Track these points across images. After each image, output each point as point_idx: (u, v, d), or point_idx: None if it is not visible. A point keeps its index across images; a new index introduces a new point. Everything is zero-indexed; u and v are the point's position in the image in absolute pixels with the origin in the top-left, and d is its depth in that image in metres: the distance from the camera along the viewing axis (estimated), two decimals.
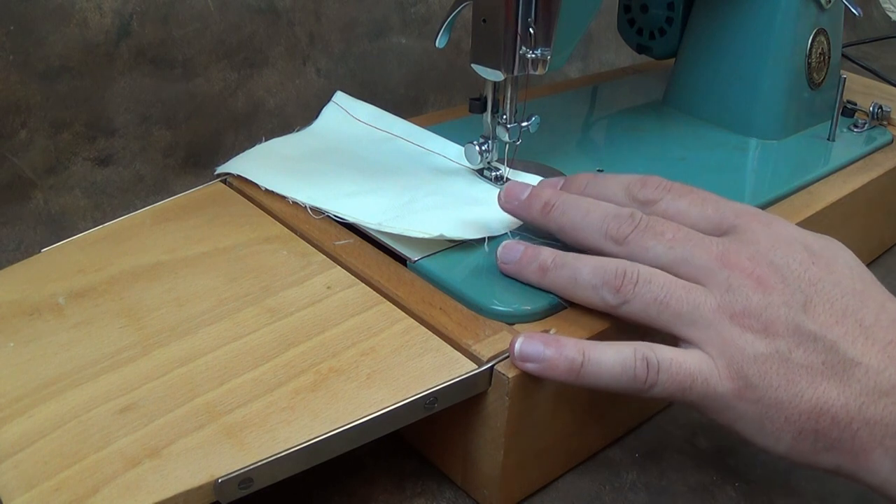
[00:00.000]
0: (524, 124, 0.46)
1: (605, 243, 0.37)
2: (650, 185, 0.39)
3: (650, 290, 0.34)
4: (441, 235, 0.40)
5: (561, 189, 0.41)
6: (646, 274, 0.35)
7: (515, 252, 0.38)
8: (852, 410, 0.31)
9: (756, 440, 0.33)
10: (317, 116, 0.55)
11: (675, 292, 0.34)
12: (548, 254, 0.37)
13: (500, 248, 0.39)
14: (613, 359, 0.34)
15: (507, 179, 0.48)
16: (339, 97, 0.56)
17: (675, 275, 0.35)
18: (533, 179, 0.48)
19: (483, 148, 0.47)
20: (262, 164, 0.49)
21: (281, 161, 0.49)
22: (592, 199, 0.39)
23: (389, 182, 0.47)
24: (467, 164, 0.49)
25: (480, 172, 0.48)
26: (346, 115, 0.55)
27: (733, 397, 0.33)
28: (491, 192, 0.46)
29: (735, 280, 0.33)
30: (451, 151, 0.50)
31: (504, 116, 0.46)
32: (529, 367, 0.34)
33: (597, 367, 0.34)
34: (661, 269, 0.35)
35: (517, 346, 0.34)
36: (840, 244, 0.36)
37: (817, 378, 0.32)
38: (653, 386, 0.33)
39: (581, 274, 0.36)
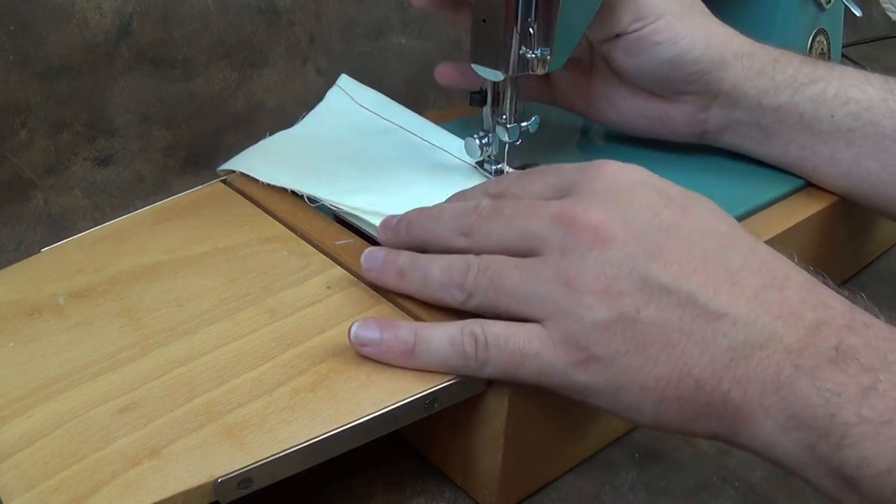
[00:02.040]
0: (524, 124, 0.46)
1: (457, 240, 0.35)
2: (503, 179, 0.39)
3: (486, 277, 0.33)
4: None
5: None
6: (484, 262, 0.33)
7: (377, 258, 0.37)
8: (719, 370, 0.28)
9: (619, 413, 0.31)
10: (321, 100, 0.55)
11: (508, 272, 0.32)
12: (405, 257, 0.37)
13: (363, 255, 0.38)
14: (442, 337, 0.33)
15: (505, 172, 0.48)
16: (344, 81, 0.56)
17: (518, 251, 0.33)
18: None
19: (483, 141, 0.47)
20: (265, 159, 0.49)
21: (284, 156, 0.50)
22: (444, 204, 0.39)
23: (391, 179, 0.47)
24: (468, 159, 0.49)
25: (481, 165, 0.48)
26: (349, 100, 0.55)
27: (573, 370, 0.31)
28: None
29: (569, 240, 0.31)
30: (453, 146, 0.50)
31: (504, 116, 0.46)
32: (366, 350, 0.34)
33: (426, 345, 0.33)
34: (505, 250, 0.33)
35: (353, 330, 0.34)
36: (704, 197, 0.33)
37: (673, 336, 0.29)
38: (485, 364, 0.32)
39: (430, 274, 0.35)
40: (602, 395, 0.31)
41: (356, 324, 0.34)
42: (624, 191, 0.32)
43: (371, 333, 0.34)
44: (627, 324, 0.30)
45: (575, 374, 0.31)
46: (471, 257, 0.34)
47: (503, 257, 0.33)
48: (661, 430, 0.31)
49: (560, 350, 0.31)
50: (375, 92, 0.55)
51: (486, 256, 0.34)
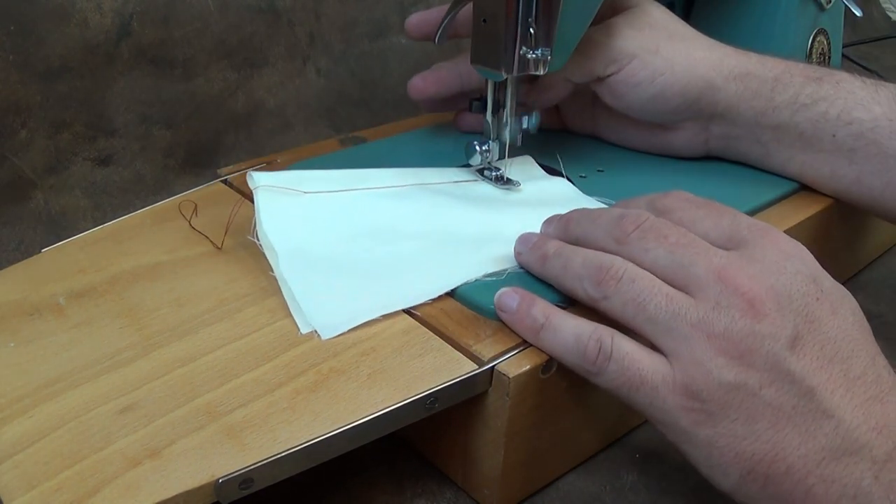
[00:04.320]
0: (524, 126, 0.46)
1: (609, 244, 0.36)
2: (672, 196, 0.38)
3: (631, 290, 0.33)
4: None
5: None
6: (632, 273, 0.34)
7: (528, 241, 0.39)
8: (810, 464, 0.30)
9: (702, 469, 0.32)
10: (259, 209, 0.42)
11: (656, 298, 0.33)
12: (552, 244, 0.38)
13: (518, 238, 0.40)
14: (570, 330, 0.34)
15: (508, 180, 0.48)
16: (261, 178, 0.43)
17: (670, 280, 0.33)
18: (538, 169, 0.48)
19: (483, 148, 0.47)
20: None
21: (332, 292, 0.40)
22: (606, 208, 0.39)
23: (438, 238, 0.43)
24: (451, 177, 0.48)
25: (481, 172, 0.48)
26: (284, 195, 0.43)
27: (682, 415, 0.32)
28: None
29: (725, 298, 0.32)
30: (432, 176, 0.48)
31: (504, 117, 0.46)
32: (503, 316, 0.36)
33: (553, 333, 0.34)
34: (659, 272, 0.34)
35: (497, 295, 0.36)
36: (847, 291, 0.34)
37: (782, 421, 0.30)
38: (600, 371, 0.33)
39: (571, 262, 0.36)
40: (696, 447, 0.32)
41: (503, 290, 0.37)
42: (788, 271, 0.32)
43: (510, 302, 0.36)
44: (746, 395, 0.31)
45: (682, 419, 0.32)
46: (617, 260, 0.35)
47: (654, 277, 0.34)
48: (737, 500, 0.32)
49: (678, 392, 0.32)
50: (295, 171, 0.46)
51: (636, 268, 0.34)
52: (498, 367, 0.34)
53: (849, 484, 0.29)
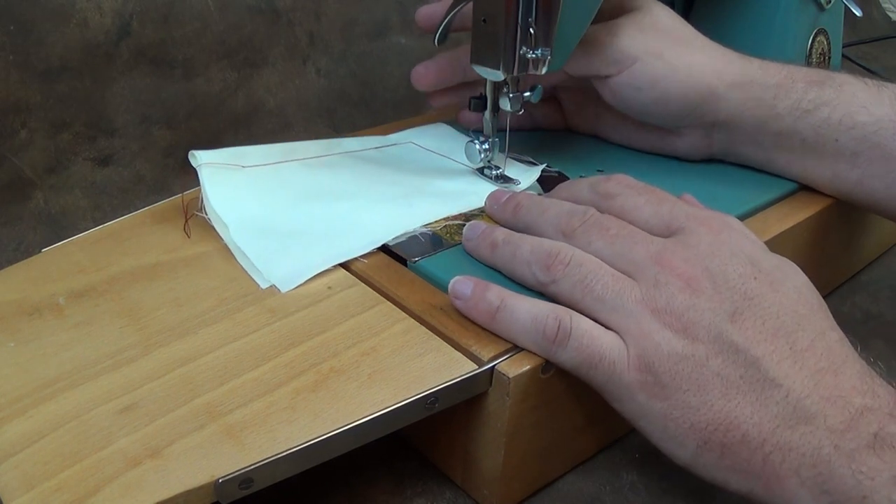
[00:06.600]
0: (526, 94, 0.46)
1: (557, 236, 0.38)
2: (613, 180, 0.40)
3: (578, 272, 0.35)
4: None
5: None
6: (578, 257, 0.35)
7: (477, 229, 0.40)
8: (765, 432, 0.30)
9: (660, 443, 0.33)
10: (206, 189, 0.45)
11: (602, 278, 0.34)
12: (500, 232, 0.39)
13: (466, 226, 0.41)
14: (528, 311, 0.34)
15: (508, 178, 0.48)
16: (203, 156, 0.46)
17: (613, 267, 0.35)
18: (535, 173, 0.48)
19: (484, 147, 0.47)
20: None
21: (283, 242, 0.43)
22: (554, 200, 0.41)
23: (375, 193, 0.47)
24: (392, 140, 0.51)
25: (481, 171, 0.48)
26: (232, 170, 0.47)
27: (638, 389, 0.32)
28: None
29: (663, 277, 0.33)
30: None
31: (506, 87, 0.46)
32: (458, 304, 0.36)
33: (510, 314, 0.35)
34: (602, 261, 0.35)
35: (451, 283, 0.37)
36: (796, 268, 0.35)
37: (731, 390, 0.31)
38: (561, 348, 0.34)
39: (520, 250, 0.37)
40: (652, 421, 0.33)
41: (456, 278, 0.37)
42: (722, 255, 0.34)
43: (464, 289, 0.36)
44: (695, 366, 0.32)
45: (638, 393, 0.33)
46: (564, 245, 0.36)
47: (599, 261, 0.35)
48: (697, 472, 0.32)
49: (633, 366, 0.33)
50: (234, 148, 0.48)
51: (582, 253, 0.36)
52: (498, 367, 0.34)
53: (807, 453, 0.30)
